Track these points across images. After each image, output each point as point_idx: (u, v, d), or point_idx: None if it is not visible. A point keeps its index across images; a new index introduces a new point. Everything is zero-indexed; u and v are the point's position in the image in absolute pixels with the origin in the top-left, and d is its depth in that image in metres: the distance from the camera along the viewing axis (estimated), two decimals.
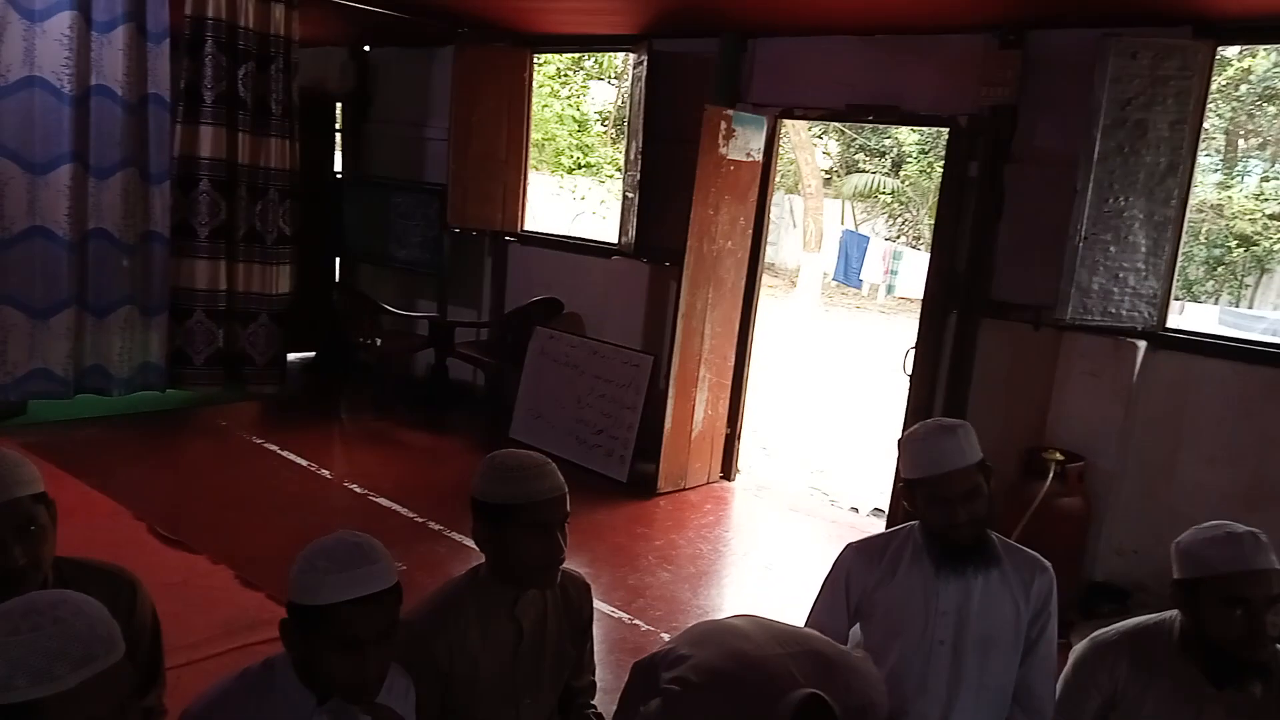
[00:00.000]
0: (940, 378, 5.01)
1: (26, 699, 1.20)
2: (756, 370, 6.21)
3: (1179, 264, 4.44)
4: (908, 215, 18.78)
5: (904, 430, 3.08)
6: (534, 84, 6.68)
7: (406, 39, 7.10)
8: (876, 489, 6.04)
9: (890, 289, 15.45)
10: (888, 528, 4.94)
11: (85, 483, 4.81)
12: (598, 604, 2.64)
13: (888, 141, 18.27)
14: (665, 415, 5.43)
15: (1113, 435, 4.36)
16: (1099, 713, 2.18)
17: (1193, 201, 4.42)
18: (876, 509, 5.73)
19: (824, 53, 5.32)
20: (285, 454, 5.68)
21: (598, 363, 5.97)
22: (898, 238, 18.34)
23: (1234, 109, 14.33)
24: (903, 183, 18.13)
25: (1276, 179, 14.86)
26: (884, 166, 18.52)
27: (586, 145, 17.59)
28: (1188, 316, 11.12)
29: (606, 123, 18.32)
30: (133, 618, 1.99)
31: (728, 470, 5.96)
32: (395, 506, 4.99)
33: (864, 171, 18.41)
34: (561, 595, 2.17)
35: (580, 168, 17.47)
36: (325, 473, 5.46)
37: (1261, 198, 14.47)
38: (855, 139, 18.61)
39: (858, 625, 2.44)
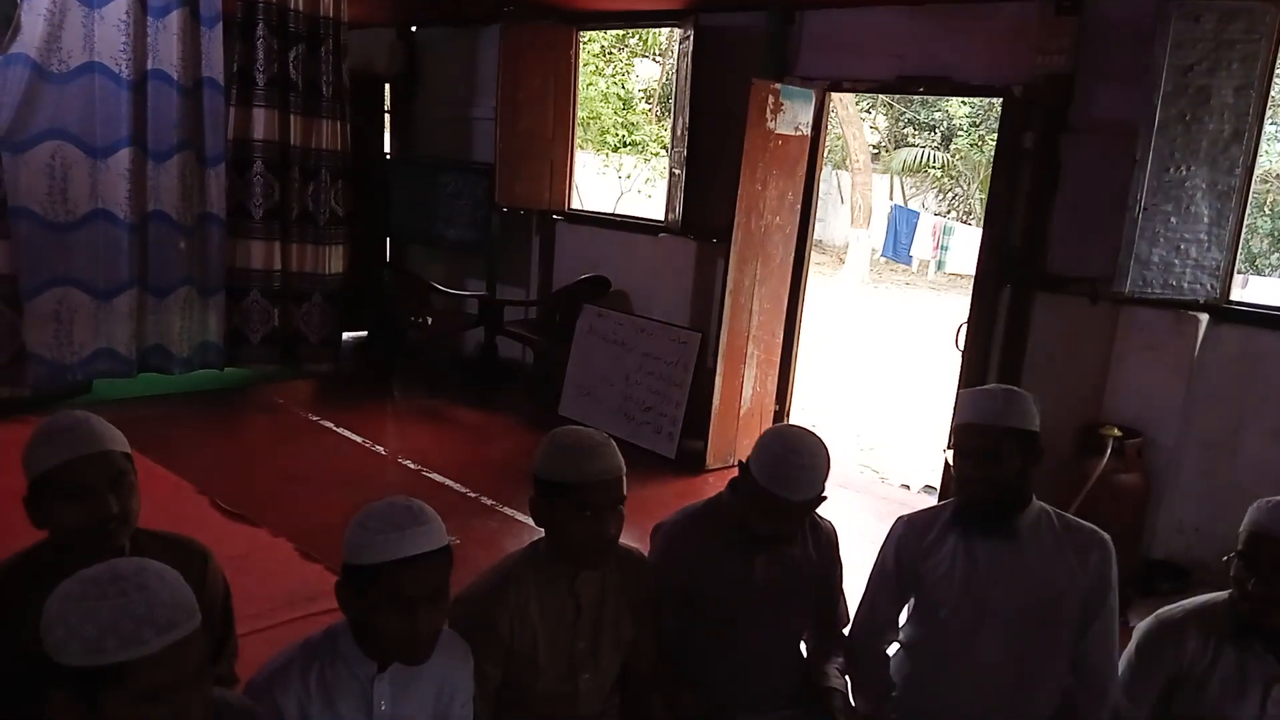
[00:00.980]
0: (994, 353, 4.94)
1: (115, 661, 1.24)
2: (805, 347, 6.18)
3: (1243, 235, 4.32)
4: (958, 190, 18.46)
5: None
6: (579, 62, 6.67)
7: (453, 18, 7.13)
8: (927, 466, 5.99)
9: (941, 265, 15.23)
10: (940, 500, 4.92)
11: (149, 458, 4.94)
12: None
13: (937, 115, 17.95)
14: (713, 392, 5.43)
15: (1173, 411, 4.27)
16: (1165, 689, 2.16)
17: (1258, 171, 4.29)
18: (928, 486, 5.68)
19: (873, 23, 5.24)
20: (340, 430, 5.79)
21: (645, 340, 5.99)
22: (948, 213, 18.04)
23: None
24: (953, 157, 17.82)
25: None
26: (934, 140, 18.21)
27: (631, 123, 17.53)
28: (1252, 290, 10.81)
29: (651, 100, 18.22)
30: (204, 587, 2.05)
31: None
32: (448, 482, 5.07)
33: (913, 146, 18.13)
34: (620, 573, 2.18)
35: (625, 146, 17.42)
36: (380, 449, 5.56)
37: None
38: (904, 113, 18.31)
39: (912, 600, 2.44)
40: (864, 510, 5.26)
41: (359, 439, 5.66)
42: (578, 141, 6.85)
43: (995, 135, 4.96)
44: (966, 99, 15.94)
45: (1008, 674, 2.26)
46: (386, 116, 7.97)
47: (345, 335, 6.54)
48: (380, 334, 7.56)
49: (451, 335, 7.32)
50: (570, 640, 2.09)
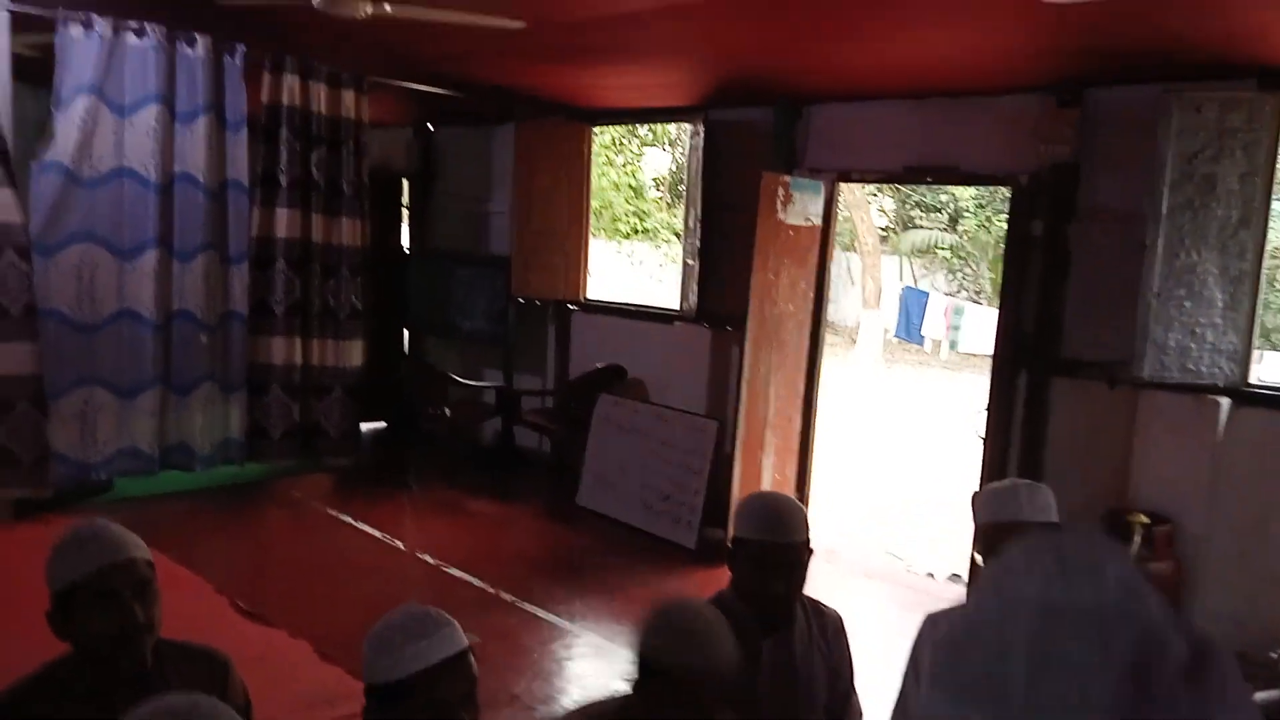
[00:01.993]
0: (1014, 438, 4.92)
1: None
2: (822, 431, 6.16)
3: (1258, 313, 4.34)
4: (967, 270, 18.60)
5: None
6: (592, 156, 6.85)
7: (469, 118, 7.34)
8: (953, 554, 5.91)
9: (954, 344, 15.25)
10: (967, 594, 4.83)
11: (169, 556, 4.92)
12: None
13: (944, 197, 18.20)
14: (732, 480, 5.41)
15: (1200, 496, 4.23)
16: None
17: (1269, 248, 4.33)
18: (954, 574, 5.59)
19: (879, 117, 5.37)
20: (358, 525, 5.77)
21: (662, 428, 5.99)
22: (958, 292, 18.15)
23: None
24: (961, 237, 18.01)
25: None
26: (941, 222, 18.43)
27: (643, 211, 17.85)
28: (1269, 365, 10.76)
29: (661, 188, 18.58)
30: (225, 698, 2.03)
31: None
32: (467, 577, 5.02)
33: (921, 228, 18.35)
34: (818, 628, 2.28)
35: (637, 233, 17.70)
36: (398, 543, 5.53)
37: None
38: (910, 196, 18.57)
39: None
40: (887, 599, 5.18)
41: (377, 534, 5.64)
42: (590, 229, 6.98)
43: (1002, 216, 5.04)
44: None
45: None
46: (405, 211, 8.15)
47: (364, 427, 6.57)
48: (398, 425, 7.59)
49: (469, 425, 7.34)
50: (756, 688, 2.17)
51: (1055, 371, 4.78)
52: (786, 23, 4.10)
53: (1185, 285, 4.21)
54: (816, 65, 4.74)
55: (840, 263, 18.64)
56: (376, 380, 6.77)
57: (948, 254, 18.28)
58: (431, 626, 1.62)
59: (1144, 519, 4.09)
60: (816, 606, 2.41)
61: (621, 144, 17.28)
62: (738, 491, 5.42)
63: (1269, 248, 4.38)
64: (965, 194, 17.58)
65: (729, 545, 2.29)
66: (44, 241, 5.00)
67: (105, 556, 1.79)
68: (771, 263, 5.37)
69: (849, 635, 2.46)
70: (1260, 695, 2.13)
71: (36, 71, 5.12)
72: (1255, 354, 4.43)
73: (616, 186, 17.12)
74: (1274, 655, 2.08)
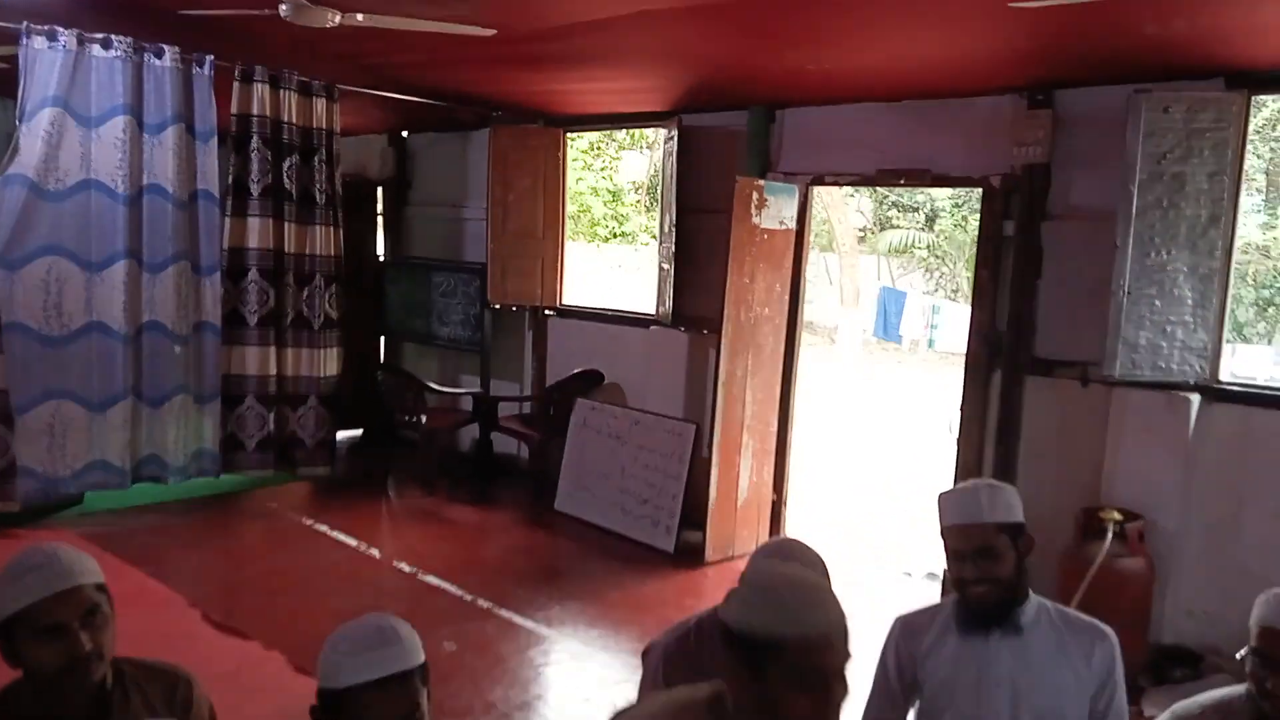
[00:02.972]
0: (988, 437, 4.95)
1: None
2: (801, 432, 6.17)
3: (1228, 306, 4.37)
4: (944, 269, 18.71)
5: None
6: (568, 159, 6.83)
7: (442, 124, 7.31)
8: (929, 553, 5.93)
9: (931, 343, 15.33)
10: (943, 592, 4.85)
11: (141, 570, 4.88)
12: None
13: (920, 198, 18.31)
14: (710, 484, 5.40)
15: (1172, 492, 4.25)
16: None
17: (1238, 244, 4.37)
18: (930, 573, 5.61)
19: (852, 120, 5.39)
20: (335, 534, 5.72)
21: (640, 433, 5.98)
22: (935, 291, 18.25)
23: (1273, 150, 14.16)
24: (938, 237, 18.12)
25: None
26: (918, 222, 18.54)
27: (621, 215, 17.85)
28: (1240, 358, 10.87)
29: (640, 192, 18.59)
30: (189, 715, 2.01)
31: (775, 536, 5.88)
32: (444, 585, 4.99)
33: (898, 228, 18.45)
34: None
35: (615, 236, 17.70)
36: (374, 552, 5.49)
37: None
38: (887, 196, 18.67)
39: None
40: (867, 599, 5.18)
41: (354, 543, 5.60)
42: (568, 234, 6.96)
43: (977, 215, 5.06)
44: None
45: None
46: (379, 219, 8.10)
47: (340, 435, 6.52)
48: (375, 433, 7.54)
49: (446, 433, 7.30)
50: None
51: (1028, 370, 4.80)
52: (758, 28, 4.10)
53: (1156, 284, 4.24)
54: (789, 70, 4.75)
55: (818, 263, 18.71)
56: (353, 389, 6.73)
57: (925, 253, 18.38)
58: (378, 641, 1.60)
59: (1117, 515, 4.11)
60: None
61: (599, 148, 17.28)
62: (715, 495, 5.42)
63: (1238, 244, 4.41)
64: (942, 194, 17.68)
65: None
66: (8, 255, 4.94)
67: (47, 587, 1.74)
68: (747, 266, 5.37)
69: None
70: (1216, 693, 2.15)
71: (4, 83, 5.05)
72: (1227, 348, 4.46)
73: (595, 191, 17.10)
74: (1240, 655, 2.09)
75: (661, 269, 6.24)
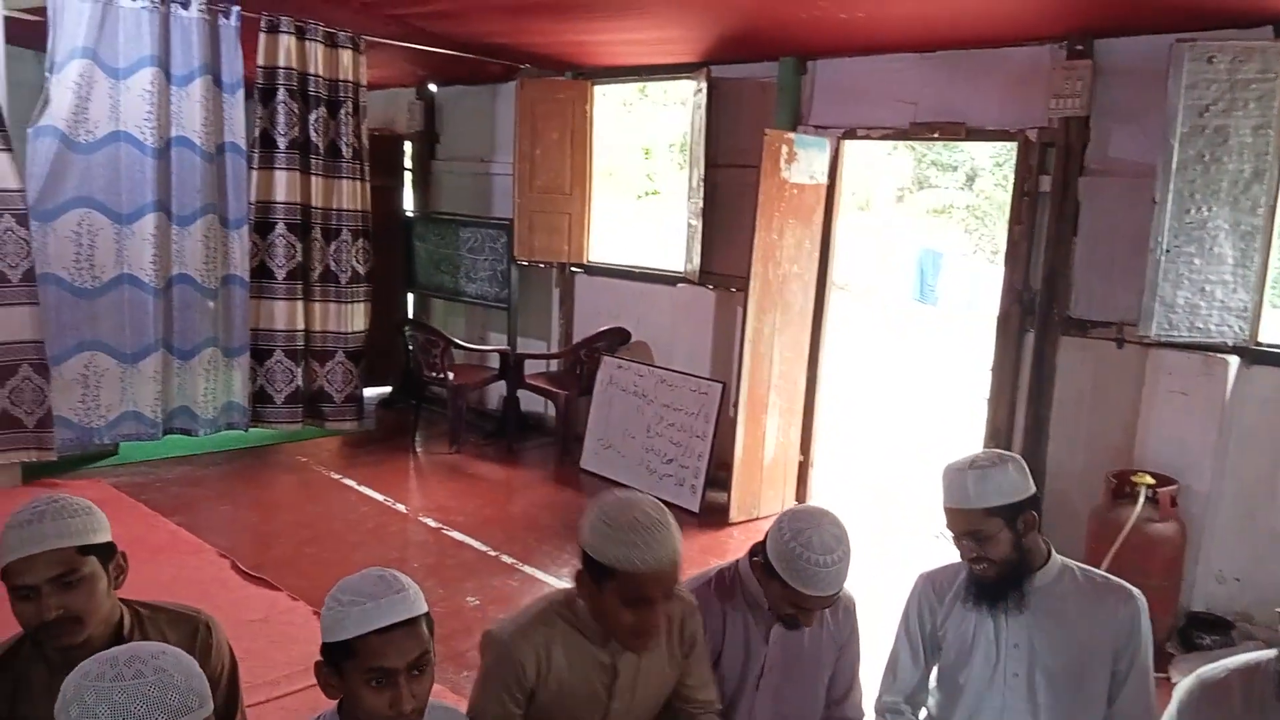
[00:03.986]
0: (1020, 399, 4.86)
1: None
2: (832, 392, 6.10)
3: (1270, 269, 4.24)
4: (984, 230, 18.37)
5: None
6: (599, 113, 6.74)
7: (470, 77, 7.25)
8: None
9: (969, 305, 15.11)
10: None
11: (173, 520, 4.97)
12: None
13: (960, 156, 17.95)
14: (736, 443, 5.38)
15: (1206, 456, 4.15)
16: None
17: None
18: None
19: (885, 72, 5.25)
20: (362, 489, 5.78)
21: (666, 391, 5.95)
22: (974, 253, 17.94)
23: None
24: (977, 197, 17.77)
25: None
26: (957, 181, 18.18)
27: (654, 173, 17.69)
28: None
29: (674, 148, 18.39)
30: (208, 659, 2.03)
31: (802, 497, 5.86)
32: (469, 540, 5.03)
33: (937, 188, 18.11)
34: (670, 628, 2.06)
35: (648, 194, 17.56)
36: (401, 507, 5.54)
37: None
38: (926, 155, 18.32)
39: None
40: (894, 559, 5.15)
41: (380, 497, 5.65)
42: (596, 189, 6.90)
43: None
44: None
45: None
46: (407, 174, 8.08)
47: (368, 392, 6.57)
48: (402, 390, 7.59)
49: (473, 390, 7.33)
50: (604, 699, 2.00)
51: (1063, 331, 4.70)
52: None
53: (1195, 242, 4.11)
54: (821, 18, 4.61)
55: (855, 223, 18.46)
56: (380, 345, 6.76)
57: (964, 214, 18.05)
58: (381, 589, 1.60)
59: (1149, 479, 4.02)
60: None
61: (632, 106, 17.09)
62: (741, 454, 5.39)
63: None
64: (982, 153, 17.32)
65: (761, 551, 2.15)
66: (41, 207, 4.99)
67: (21, 548, 1.76)
68: (776, 222, 5.29)
69: (859, 618, 2.40)
70: (1242, 656, 2.10)
71: (36, 35, 5.06)
72: (1268, 309, 4.32)
73: (630, 148, 16.95)
74: (1278, 611, 2.03)
75: (690, 225, 6.17)
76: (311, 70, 5.72)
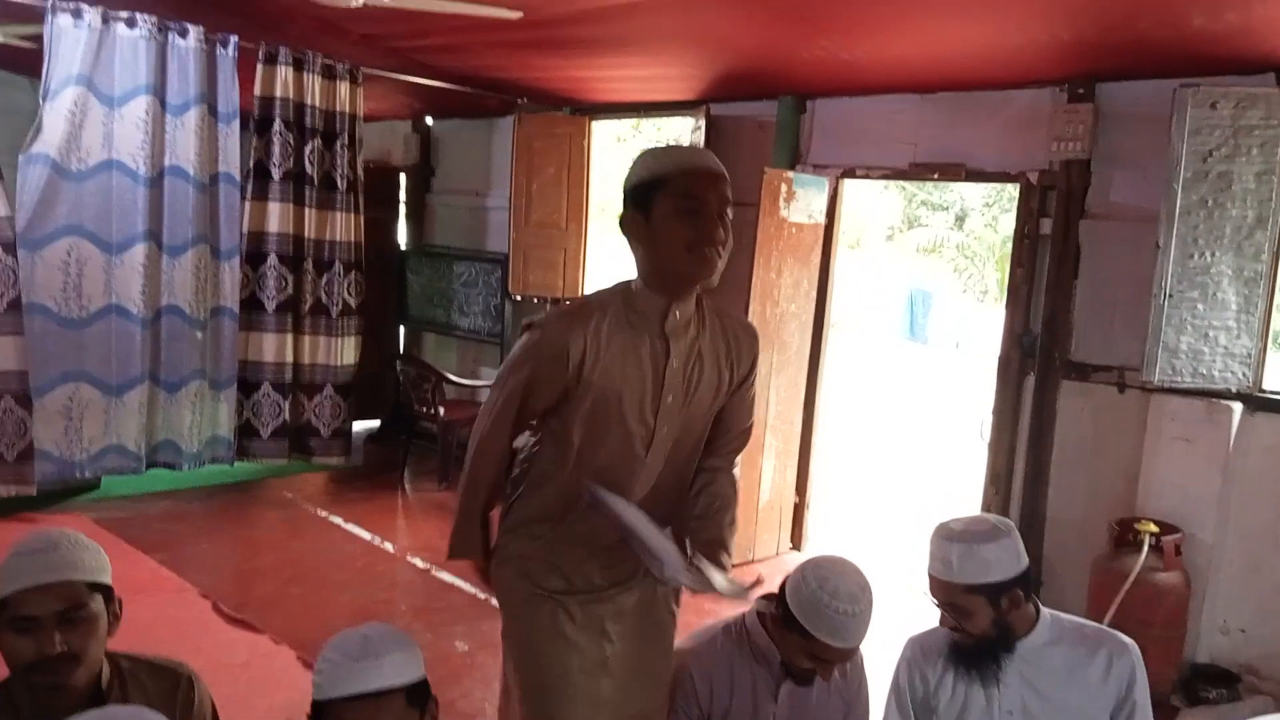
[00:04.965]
0: (1020, 444, 4.80)
1: None
2: (824, 433, 6.03)
3: (1274, 315, 4.21)
4: (973, 269, 18.48)
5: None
6: (595, 149, 6.72)
7: (467, 111, 7.23)
8: None
9: (958, 344, 15.15)
10: None
11: (154, 558, 4.84)
12: None
13: (950, 196, 18.09)
14: None
15: (1211, 504, 4.10)
16: None
17: None
18: None
19: (885, 112, 5.25)
20: (349, 527, 5.66)
21: None
22: (964, 292, 18.02)
23: None
24: (967, 236, 17.88)
25: None
26: (947, 221, 18.32)
27: None
28: None
29: None
30: (190, 713, 1.96)
31: (797, 541, 5.77)
32: (457, 582, 4.90)
33: (927, 226, 18.23)
34: (723, 337, 2.04)
35: None
36: (388, 546, 5.42)
37: None
38: (916, 194, 18.48)
39: None
40: (889, 606, 5.04)
41: (367, 535, 5.53)
42: (591, 225, 6.87)
43: (1009, 215, 4.91)
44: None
45: None
46: (402, 206, 8.04)
47: (357, 426, 6.47)
48: (392, 424, 7.48)
49: (464, 425, 7.22)
50: (655, 385, 1.92)
51: (1064, 375, 4.66)
52: (789, 13, 3.98)
53: (1198, 287, 4.09)
54: (821, 58, 4.61)
55: (846, 261, 18.55)
56: (370, 378, 6.67)
57: (954, 253, 18.15)
58: (360, 653, 1.50)
59: (1153, 527, 3.96)
60: None
61: (626, 142, 17.18)
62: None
63: None
64: (973, 194, 17.47)
65: (779, 599, 2.11)
66: (30, 235, 4.90)
67: (32, 577, 1.67)
68: (773, 261, 5.25)
69: (868, 673, 2.35)
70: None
71: (31, 63, 5.02)
72: (1272, 355, 4.30)
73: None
74: None
75: None
76: (308, 101, 5.68)
